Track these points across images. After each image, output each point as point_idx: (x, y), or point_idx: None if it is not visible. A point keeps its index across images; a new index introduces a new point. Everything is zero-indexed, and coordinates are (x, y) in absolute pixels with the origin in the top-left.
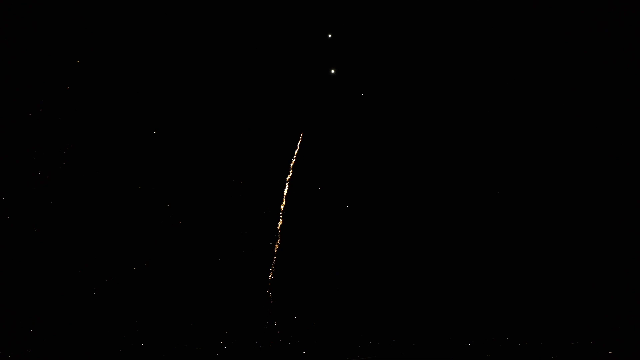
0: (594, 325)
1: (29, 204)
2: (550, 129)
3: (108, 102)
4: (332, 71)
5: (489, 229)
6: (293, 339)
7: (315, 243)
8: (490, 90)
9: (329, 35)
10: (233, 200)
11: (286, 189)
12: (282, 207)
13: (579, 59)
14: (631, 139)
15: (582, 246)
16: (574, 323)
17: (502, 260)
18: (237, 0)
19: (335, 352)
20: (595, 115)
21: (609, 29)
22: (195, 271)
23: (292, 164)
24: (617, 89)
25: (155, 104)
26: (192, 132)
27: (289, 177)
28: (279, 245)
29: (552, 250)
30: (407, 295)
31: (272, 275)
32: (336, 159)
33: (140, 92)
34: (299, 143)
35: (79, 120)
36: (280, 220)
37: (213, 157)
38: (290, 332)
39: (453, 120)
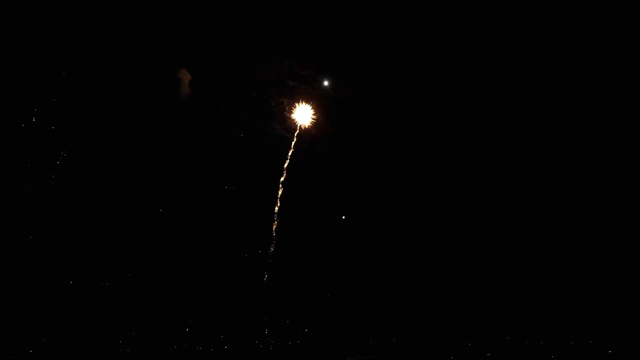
0: (594, 325)
1: (28, 208)
2: (550, 129)
3: (104, 107)
4: (326, 83)
5: (488, 230)
6: (293, 339)
7: (314, 244)
8: (488, 91)
9: (323, 43)
10: (230, 203)
11: (280, 191)
12: (276, 209)
13: (578, 58)
14: (631, 139)
15: (582, 246)
16: (574, 323)
17: (502, 261)
18: (229, 6)
19: (335, 352)
20: (595, 115)
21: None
22: (195, 273)
23: (285, 166)
24: (617, 89)
25: (151, 110)
26: (189, 136)
27: (282, 178)
28: (278, 246)
29: (552, 251)
30: (407, 296)
31: (271, 277)
32: (331, 160)
33: (136, 97)
34: (293, 144)
35: (75, 125)
36: (275, 223)
37: (208, 160)
38: (290, 332)
39: (451, 121)
